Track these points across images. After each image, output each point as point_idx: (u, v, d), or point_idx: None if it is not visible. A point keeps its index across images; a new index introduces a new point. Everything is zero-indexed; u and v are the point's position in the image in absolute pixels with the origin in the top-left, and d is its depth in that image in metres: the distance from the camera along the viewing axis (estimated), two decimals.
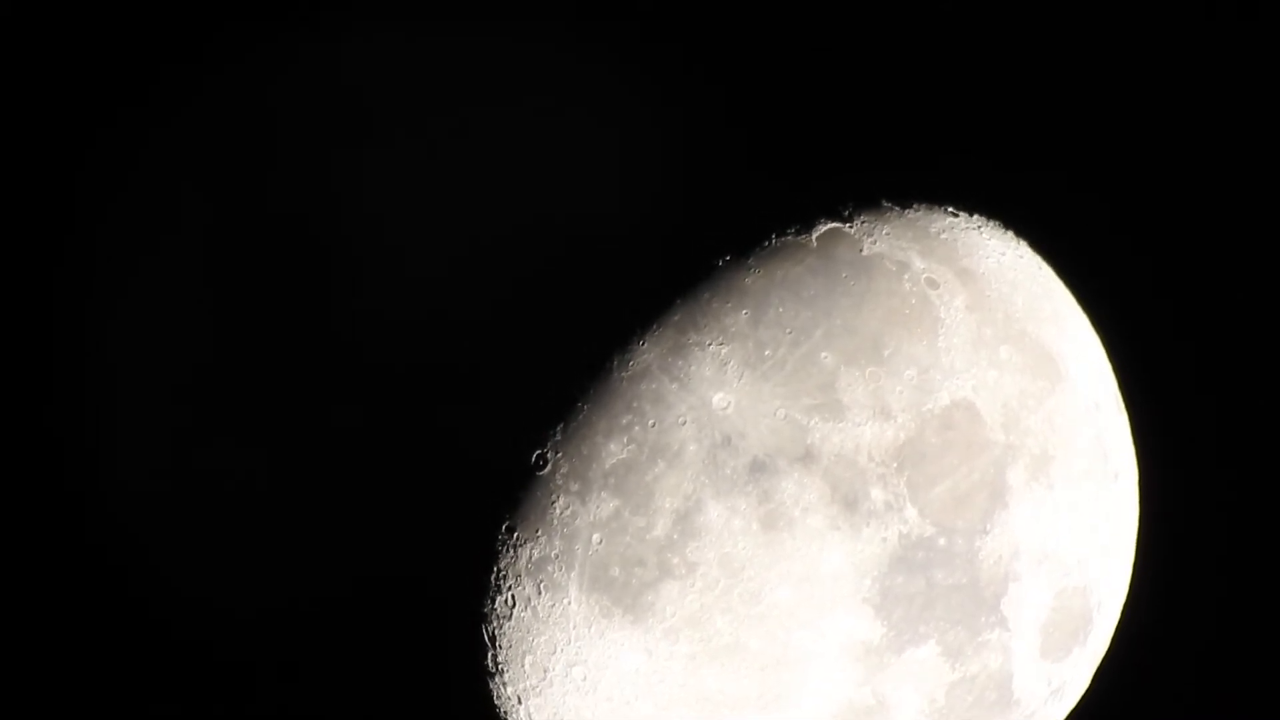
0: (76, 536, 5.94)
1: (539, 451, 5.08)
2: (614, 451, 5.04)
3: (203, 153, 5.62)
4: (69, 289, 5.85)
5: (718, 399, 5.05)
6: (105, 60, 6.04)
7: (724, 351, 5.08)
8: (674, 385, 5.05)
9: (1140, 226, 7.69)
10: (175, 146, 5.71)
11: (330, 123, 5.41)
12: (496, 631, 5.22)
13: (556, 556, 5.08)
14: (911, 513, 5.13)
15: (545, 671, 5.22)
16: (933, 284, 5.33)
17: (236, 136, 5.56)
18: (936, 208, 5.56)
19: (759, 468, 5.03)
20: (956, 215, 5.58)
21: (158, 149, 5.75)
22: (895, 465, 5.12)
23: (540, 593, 5.12)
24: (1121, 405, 5.89)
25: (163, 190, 5.68)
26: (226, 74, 5.72)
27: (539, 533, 5.09)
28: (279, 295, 5.29)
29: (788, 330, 5.11)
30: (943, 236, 5.48)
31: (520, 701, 5.34)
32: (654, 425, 5.04)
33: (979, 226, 5.60)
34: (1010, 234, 5.66)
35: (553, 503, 5.07)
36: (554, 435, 5.07)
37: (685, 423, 5.03)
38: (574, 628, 5.12)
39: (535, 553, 5.10)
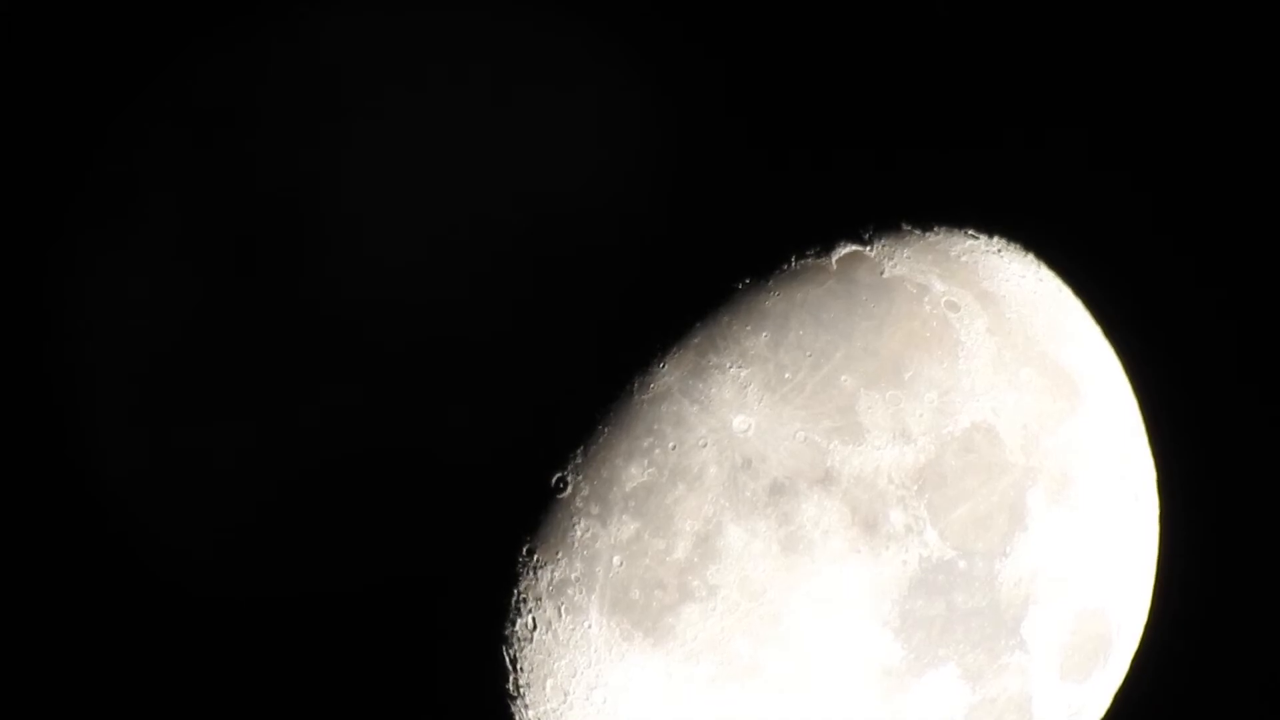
0: (70, 527, 5.94)
1: (559, 474, 5.08)
2: (634, 474, 5.04)
3: (184, 133, 5.61)
4: (52, 271, 5.85)
5: (738, 421, 5.05)
6: (83, 39, 6.05)
7: (744, 374, 5.08)
8: (694, 408, 5.06)
9: (1161, 248, 7.68)
10: (155, 126, 5.70)
11: (317, 103, 5.40)
12: (518, 654, 5.22)
13: (577, 579, 5.09)
14: (932, 535, 5.13)
15: (566, 694, 5.22)
16: (953, 307, 5.34)
17: (220, 117, 5.55)
18: (957, 230, 5.56)
19: (779, 490, 5.03)
20: (977, 238, 5.58)
21: (139, 128, 5.74)
22: (915, 488, 5.12)
23: (561, 615, 5.13)
24: (1142, 427, 5.89)
25: (142, 168, 5.67)
26: (204, 52, 5.71)
27: (559, 555, 5.09)
28: (272, 291, 5.29)
29: (808, 353, 5.12)
30: (963, 259, 5.49)
31: None
32: (674, 448, 5.04)
33: (999, 249, 5.60)
34: (1031, 257, 5.66)
35: (573, 525, 5.08)
36: (574, 458, 5.07)
37: (705, 445, 5.04)
38: (594, 650, 5.12)
39: (556, 575, 5.11)
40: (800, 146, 5.45)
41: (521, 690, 5.28)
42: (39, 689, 6.35)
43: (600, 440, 5.07)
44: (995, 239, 5.62)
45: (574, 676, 5.18)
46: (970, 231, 5.59)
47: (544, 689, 5.25)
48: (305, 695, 5.57)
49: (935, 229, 5.51)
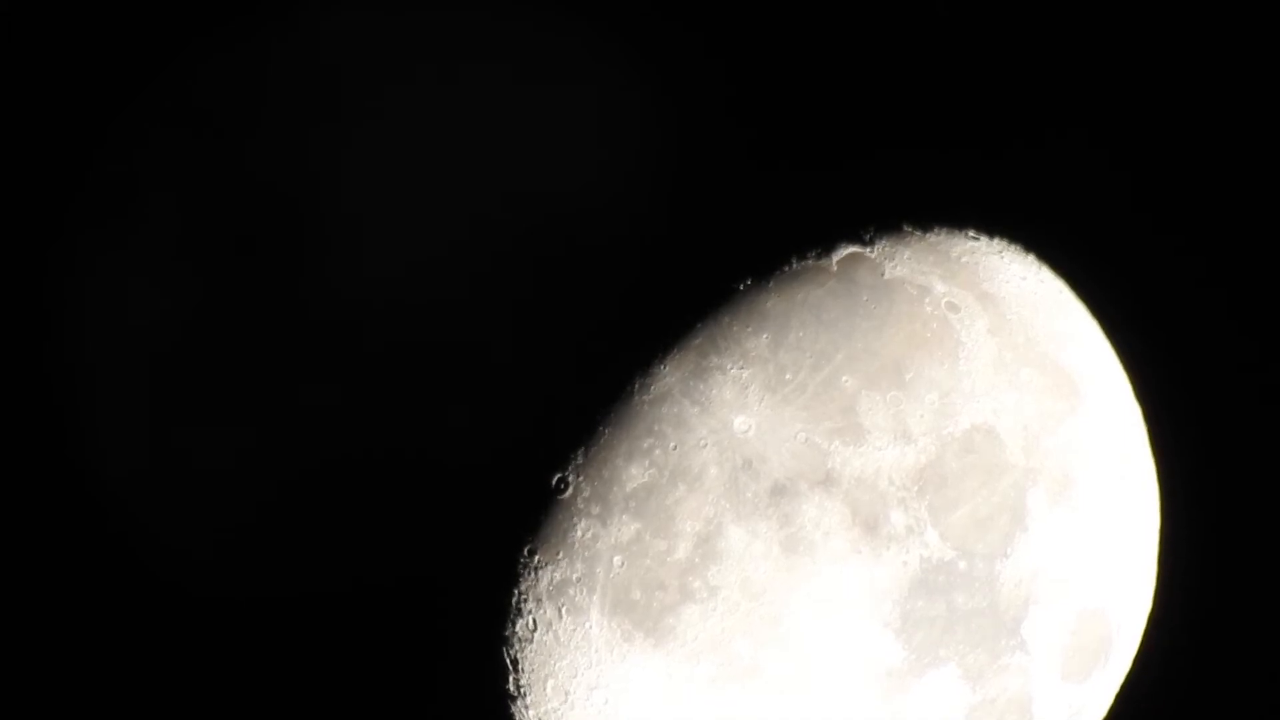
0: (70, 527, 5.94)
1: (560, 475, 5.08)
2: (635, 475, 5.04)
3: (184, 133, 5.60)
4: (52, 271, 5.84)
5: (739, 422, 5.05)
6: (83, 39, 6.04)
7: (745, 375, 5.08)
8: (695, 408, 5.06)
9: (1161, 248, 7.68)
10: (155, 126, 5.69)
11: (317, 103, 5.39)
12: (518, 655, 5.22)
13: (578, 580, 5.09)
14: (932, 536, 5.13)
15: (567, 695, 5.22)
16: (954, 308, 5.34)
17: (220, 117, 5.55)
18: (958, 231, 5.56)
19: (780, 491, 5.03)
20: (978, 239, 5.58)
21: (139, 128, 5.73)
22: (916, 489, 5.12)
23: (561, 616, 5.13)
24: (1142, 427, 5.89)
25: (142, 168, 5.67)
26: (204, 51, 5.70)
27: (560, 556, 5.09)
28: (272, 291, 5.28)
29: (808, 354, 5.12)
30: (964, 260, 5.49)
31: None
32: (675, 448, 5.04)
33: (1000, 250, 5.60)
34: (1031, 258, 5.66)
35: (574, 526, 5.08)
36: (575, 459, 5.07)
37: (706, 446, 5.04)
38: (595, 651, 5.12)
39: (556, 576, 5.11)
40: (801, 147, 5.44)
41: (522, 690, 5.28)
42: (39, 689, 6.35)
43: (601, 441, 5.07)
44: (996, 240, 5.62)
45: (575, 677, 5.18)
46: (971, 232, 5.59)
47: (545, 689, 5.25)
48: (305, 695, 5.57)
49: (936, 230, 5.51)
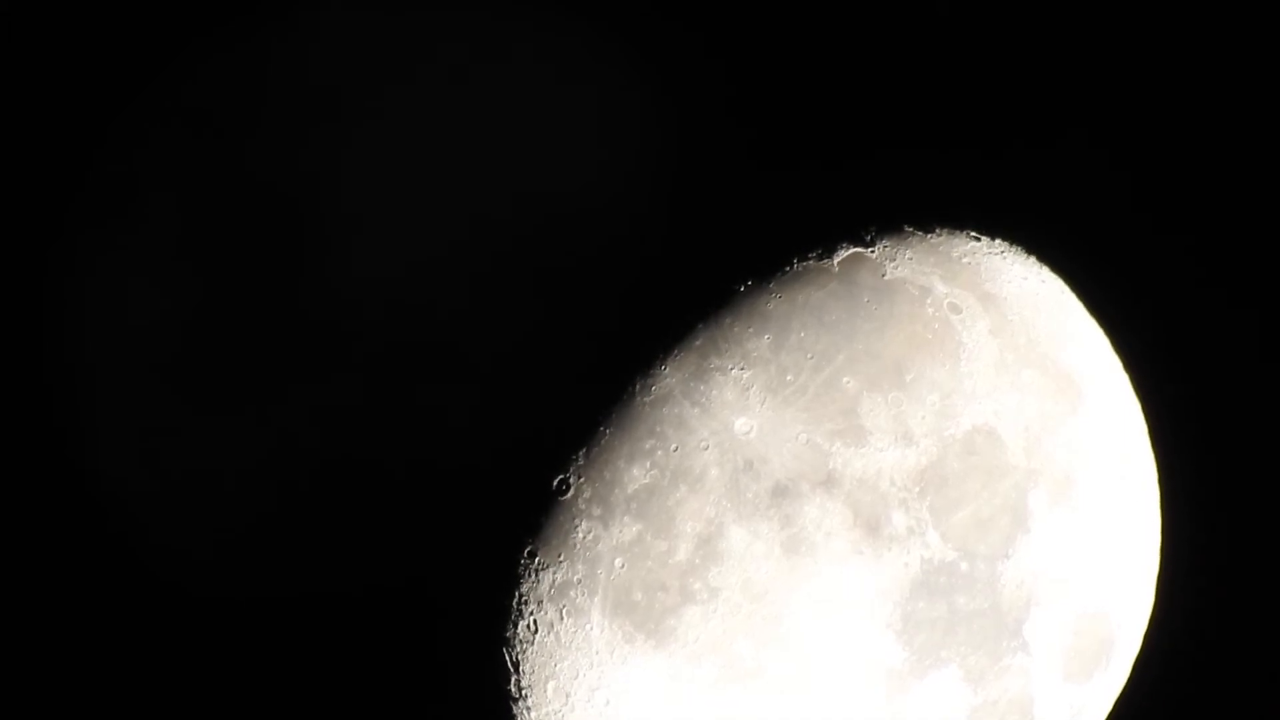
0: (70, 527, 5.94)
1: (561, 476, 5.08)
2: (636, 476, 5.04)
3: (184, 133, 5.60)
4: (52, 271, 5.84)
5: (740, 424, 5.05)
6: (83, 39, 6.04)
7: (746, 376, 5.08)
8: (696, 410, 5.05)
9: (1162, 248, 7.68)
10: (155, 126, 5.69)
11: (317, 103, 5.39)
12: (519, 656, 5.22)
13: (579, 581, 5.08)
14: (934, 537, 5.13)
15: (568, 696, 5.22)
16: (955, 309, 5.34)
17: (220, 117, 5.55)
18: (959, 232, 5.56)
19: (781, 492, 5.03)
20: (979, 239, 5.58)
21: (139, 128, 5.73)
22: (917, 490, 5.12)
23: (563, 618, 5.13)
24: (1143, 427, 5.89)
25: (142, 168, 5.67)
26: (204, 51, 5.70)
27: (561, 558, 5.09)
28: (272, 291, 5.28)
29: (809, 355, 5.12)
30: (965, 261, 5.49)
31: None
32: (676, 450, 5.04)
33: (1001, 251, 5.60)
34: (1033, 258, 5.67)
35: (575, 527, 5.08)
36: (576, 460, 5.07)
37: (707, 447, 5.04)
38: (596, 653, 5.12)
39: (558, 577, 5.11)
40: (801, 147, 5.45)
41: (524, 692, 5.28)
42: (39, 689, 6.35)
43: (602, 442, 5.06)
44: (997, 240, 5.62)
45: (576, 678, 5.18)
46: (972, 233, 5.59)
47: (546, 691, 5.24)
48: (305, 696, 5.57)
49: (937, 230, 5.51)
